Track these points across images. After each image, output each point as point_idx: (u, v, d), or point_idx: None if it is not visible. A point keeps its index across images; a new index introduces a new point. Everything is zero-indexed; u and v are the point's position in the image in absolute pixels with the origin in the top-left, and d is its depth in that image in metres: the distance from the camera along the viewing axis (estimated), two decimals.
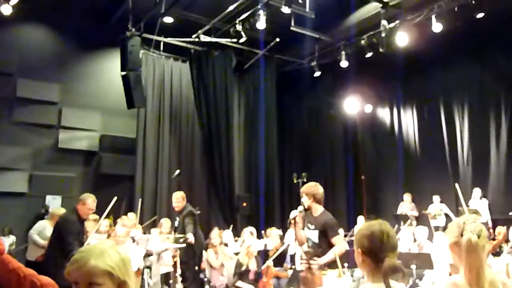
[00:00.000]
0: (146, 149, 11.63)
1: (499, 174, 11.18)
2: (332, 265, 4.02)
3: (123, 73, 9.43)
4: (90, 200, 5.48)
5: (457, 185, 5.11)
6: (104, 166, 11.41)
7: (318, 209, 4.60)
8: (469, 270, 2.00)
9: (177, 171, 8.90)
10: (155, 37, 11.20)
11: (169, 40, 11.66)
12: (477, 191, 10.60)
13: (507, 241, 5.64)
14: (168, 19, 10.98)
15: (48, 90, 10.92)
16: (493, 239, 4.58)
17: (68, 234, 5.05)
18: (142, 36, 10.39)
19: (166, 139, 12.06)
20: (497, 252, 6.21)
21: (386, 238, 1.98)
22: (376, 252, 1.96)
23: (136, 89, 9.48)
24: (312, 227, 4.54)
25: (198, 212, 7.19)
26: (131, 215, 8.66)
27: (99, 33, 10.94)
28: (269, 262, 6.09)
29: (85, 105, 11.32)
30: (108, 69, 11.53)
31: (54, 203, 10.58)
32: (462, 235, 2.04)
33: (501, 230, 5.58)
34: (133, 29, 9.70)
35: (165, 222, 7.30)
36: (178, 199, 6.84)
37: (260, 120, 13.22)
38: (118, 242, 5.53)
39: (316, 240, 4.44)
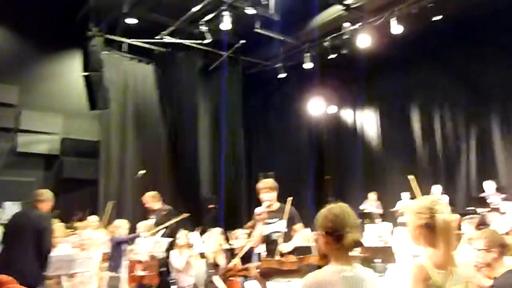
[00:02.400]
0: (109, 152, 11.40)
1: (458, 172, 11.58)
2: (306, 251, 4.10)
3: (85, 74, 9.24)
4: (51, 196, 5.17)
5: (410, 177, 5.27)
6: (66, 170, 11.09)
7: (276, 203, 4.75)
8: (446, 249, 2.09)
9: (142, 171, 8.78)
10: (118, 38, 11.03)
11: (133, 41, 11.51)
12: (437, 188, 10.92)
13: (459, 228, 5.93)
14: (132, 20, 10.81)
15: (5, 92, 10.53)
16: None
17: (50, 233, 4.79)
18: (105, 37, 10.21)
19: (131, 141, 11.87)
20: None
21: (347, 217, 2.05)
22: (339, 229, 2.02)
23: (99, 91, 9.33)
24: (276, 219, 4.62)
25: (164, 213, 7.14)
26: (92, 218, 8.48)
27: (60, 33, 10.65)
28: (236, 260, 6.07)
29: (46, 107, 10.99)
30: (70, 70, 11.25)
31: (13, 209, 10.19)
32: (433, 216, 2.11)
33: (455, 217, 5.85)
34: (95, 29, 9.53)
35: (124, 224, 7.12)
36: (146, 198, 6.96)
37: (226, 122, 13.21)
38: (82, 246, 5.38)
39: (285, 229, 4.54)
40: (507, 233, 4.42)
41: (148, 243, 5.89)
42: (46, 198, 5.05)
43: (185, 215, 7.04)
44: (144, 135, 12.26)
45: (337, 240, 2.03)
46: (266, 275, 2.22)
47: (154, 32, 11.10)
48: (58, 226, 5.82)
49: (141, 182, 10.58)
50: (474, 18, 10.29)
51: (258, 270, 2.19)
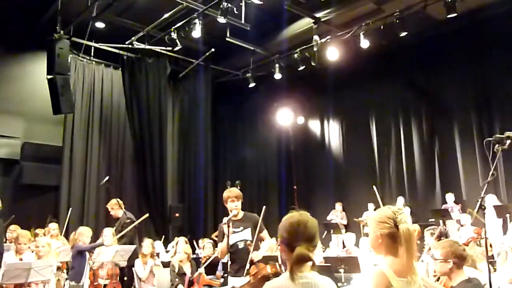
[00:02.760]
0: (73, 157, 11.13)
1: (420, 184, 11.88)
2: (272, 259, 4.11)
3: (50, 76, 8.98)
4: None
5: (374, 187, 5.39)
6: (26, 175, 10.74)
7: (241, 212, 4.73)
8: (408, 257, 2.11)
9: (106, 178, 8.61)
10: (85, 42, 10.80)
11: (101, 45, 11.31)
12: (400, 200, 11.19)
13: (421, 238, 6.08)
14: (100, 24, 10.66)
15: None
16: None
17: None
18: (72, 40, 9.98)
19: (95, 147, 11.63)
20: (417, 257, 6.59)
21: (303, 228, 2.03)
22: (291, 241, 2.02)
23: (64, 94, 9.06)
24: (240, 228, 4.61)
25: (128, 221, 7.01)
26: (52, 225, 8.25)
27: (25, 34, 10.39)
28: (201, 270, 6.01)
29: (6, 110, 10.63)
30: (33, 72, 10.94)
31: None
32: (396, 226, 2.14)
33: (415, 227, 5.99)
34: (62, 32, 9.30)
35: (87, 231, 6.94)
36: (111, 206, 6.99)
37: (195, 130, 13.14)
38: (39, 253, 5.20)
39: (250, 238, 4.55)
40: (466, 244, 4.57)
41: (110, 251, 5.75)
42: None
43: (145, 216, 6.90)
44: (109, 141, 12.04)
45: (290, 250, 2.03)
46: None
47: (123, 37, 10.96)
48: (24, 233, 5.60)
49: (105, 189, 10.36)
50: (437, 35, 10.67)
51: None
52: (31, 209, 10.27)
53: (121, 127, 12.23)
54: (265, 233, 4.67)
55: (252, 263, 4.20)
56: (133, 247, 6.26)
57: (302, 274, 2.02)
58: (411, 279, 2.14)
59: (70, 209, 9.42)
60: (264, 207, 4.76)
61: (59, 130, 11.09)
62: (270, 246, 4.41)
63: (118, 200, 7.24)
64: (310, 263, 2.01)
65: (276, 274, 2.10)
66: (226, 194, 4.74)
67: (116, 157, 12.08)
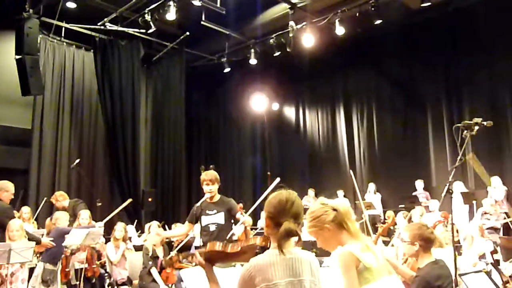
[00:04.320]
0: (42, 140, 10.87)
1: (391, 171, 12.12)
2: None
3: (18, 57, 8.70)
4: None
5: (351, 172, 5.48)
6: None
7: (217, 195, 4.76)
8: (356, 230, 2.27)
9: (77, 160, 8.45)
10: (55, 22, 10.49)
11: (71, 26, 11.00)
12: (371, 186, 11.39)
13: (395, 224, 6.21)
14: (71, 4, 10.35)
15: None
16: (383, 222, 5.03)
17: None
18: (41, 20, 9.67)
19: (66, 130, 11.37)
20: (388, 241, 6.74)
21: (290, 205, 2.08)
22: (278, 216, 2.06)
23: (33, 75, 8.80)
24: (214, 211, 4.65)
25: (99, 204, 6.94)
26: (25, 209, 8.09)
27: None
28: (173, 253, 5.98)
29: None
30: (1, 52, 10.56)
31: None
32: (334, 209, 2.27)
33: (390, 214, 6.14)
34: (31, 11, 9.00)
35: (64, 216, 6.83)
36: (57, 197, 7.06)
37: (168, 114, 13.00)
38: (12, 238, 5.08)
39: (222, 222, 4.59)
40: (433, 227, 4.70)
41: (81, 234, 5.67)
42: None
43: (128, 201, 6.85)
44: (81, 124, 11.80)
45: (275, 225, 2.07)
46: (211, 259, 2.22)
47: (95, 18, 10.68)
48: None
49: (76, 172, 10.17)
50: (412, 24, 10.80)
51: (203, 256, 2.19)
52: None
53: (93, 110, 11.98)
54: (238, 214, 4.68)
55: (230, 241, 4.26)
56: (102, 229, 6.20)
57: (286, 250, 2.05)
58: (372, 251, 2.25)
59: (45, 199, 9.19)
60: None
61: (28, 112, 10.78)
62: (245, 221, 4.53)
63: (61, 192, 7.24)
64: (295, 238, 2.06)
65: (263, 249, 2.11)
66: (202, 176, 4.77)
67: (87, 141, 11.86)
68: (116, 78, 11.54)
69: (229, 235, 4.41)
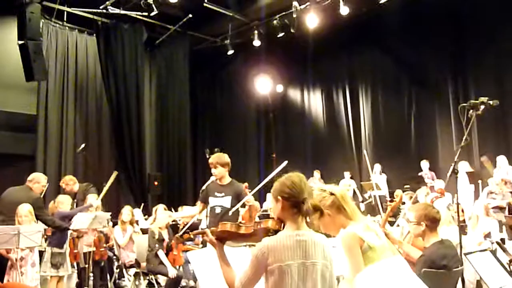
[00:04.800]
0: (48, 126, 10.90)
1: (396, 152, 12.09)
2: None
3: (21, 42, 8.67)
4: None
5: (365, 152, 5.47)
6: (0, 145, 10.47)
7: (227, 178, 4.78)
8: (357, 213, 2.36)
9: (82, 145, 8.47)
10: (57, 6, 10.43)
11: (73, 10, 10.94)
12: (377, 167, 11.39)
13: (403, 203, 6.24)
14: None
15: None
16: (391, 201, 5.07)
17: None
18: (43, 4, 9.62)
19: (71, 115, 11.40)
20: (393, 222, 6.76)
21: (304, 185, 2.13)
22: (297, 195, 2.09)
23: (36, 61, 8.78)
24: (222, 194, 4.67)
25: (92, 187, 7.01)
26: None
27: None
28: (179, 235, 6.04)
29: None
30: (4, 38, 10.51)
31: None
32: (331, 193, 2.39)
33: (398, 193, 6.17)
34: None
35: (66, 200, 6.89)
36: (67, 182, 6.98)
37: (172, 98, 12.98)
38: (21, 223, 5.14)
39: (228, 205, 4.60)
40: (430, 202, 4.71)
41: (87, 218, 5.73)
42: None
43: (114, 174, 6.85)
44: (86, 109, 11.81)
45: (294, 205, 2.09)
46: (222, 238, 2.26)
47: (97, 1, 10.60)
48: None
49: (82, 157, 10.21)
50: (417, 3, 10.63)
51: (214, 234, 2.24)
52: (7, 179, 10.07)
53: (97, 94, 11.98)
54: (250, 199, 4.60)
55: (244, 206, 4.47)
56: (108, 214, 6.26)
57: (299, 231, 2.08)
58: (374, 231, 2.27)
59: (48, 184, 9.22)
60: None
61: (33, 98, 10.79)
62: (251, 200, 4.55)
63: (71, 176, 7.23)
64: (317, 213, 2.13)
65: (276, 232, 2.14)
66: (209, 160, 4.82)
67: (92, 126, 11.88)
68: (120, 62, 11.51)
69: (231, 212, 4.44)
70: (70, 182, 6.96)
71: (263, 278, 2.07)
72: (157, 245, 5.99)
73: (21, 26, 8.70)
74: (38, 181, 5.72)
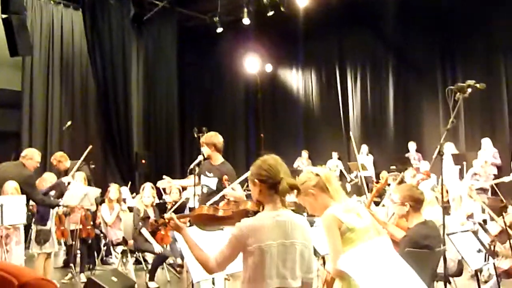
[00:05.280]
0: (33, 102, 10.75)
1: (383, 133, 12.19)
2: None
3: (4, 16, 8.44)
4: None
5: (351, 134, 5.50)
6: None
7: (218, 159, 4.71)
8: (339, 194, 2.42)
9: (69, 123, 8.37)
10: None
11: None
12: (364, 148, 11.48)
13: (388, 185, 6.31)
14: None
15: None
16: (377, 183, 5.14)
17: None
18: None
19: (57, 91, 11.23)
20: (378, 202, 6.85)
21: (280, 166, 2.16)
22: (274, 177, 2.12)
23: (20, 35, 8.55)
24: (211, 174, 4.64)
25: (93, 166, 6.95)
26: None
27: None
28: (167, 215, 6.06)
29: None
30: None
31: None
32: (317, 175, 2.44)
33: (384, 175, 6.24)
34: None
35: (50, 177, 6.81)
36: (57, 159, 6.83)
37: (160, 75, 12.84)
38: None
39: (214, 187, 4.56)
40: (416, 184, 4.76)
41: (78, 194, 5.71)
42: None
43: (89, 148, 6.79)
44: (72, 86, 11.63)
45: (271, 187, 2.12)
46: (198, 222, 2.26)
47: None
48: None
49: (69, 135, 10.11)
50: None
51: (191, 218, 2.23)
52: None
53: (83, 70, 11.78)
54: (234, 185, 4.43)
55: (223, 199, 4.25)
56: (99, 190, 6.24)
57: (278, 212, 2.11)
58: (356, 212, 2.36)
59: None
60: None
61: (17, 74, 10.59)
62: (240, 195, 4.38)
63: (62, 152, 7.10)
64: (295, 192, 2.16)
65: (255, 213, 2.16)
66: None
67: (79, 101, 11.71)
68: (106, 38, 11.32)
69: (209, 203, 4.30)
70: (61, 158, 6.82)
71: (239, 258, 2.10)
72: (140, 223, 6.00)
73: (5, 0, 8.47)
74: (31, 157, 5.62)
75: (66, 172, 6.58)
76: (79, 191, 5.81)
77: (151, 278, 5.84)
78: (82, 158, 6.55)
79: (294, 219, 2.13)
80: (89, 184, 6.48)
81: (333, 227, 2.30)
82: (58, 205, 5.73)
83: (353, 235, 2.29)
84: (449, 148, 9.20)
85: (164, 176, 5.25)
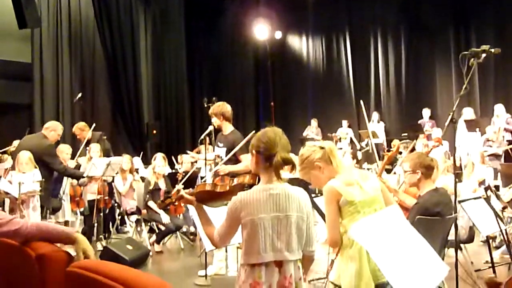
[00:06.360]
0: (43, 74, 10.75)
1: (396, 100, 12.07)
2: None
3: None
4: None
5: (361, 102, 5.45)
6: None
7: (228, 128, 4.70)
8: (339, 164, 2.42)
9: (79, 95, 8.41)
10: None
11: None
12: (375, 115, 11.40)
13: (400, 153, 6.29)
14: None
15: None
16: (389, 151, 5.11)
17: None
18: None
19: (66, 63, 11.21)
20: (390, 169, 6.85)
21: (279, 139, 2.14)
22: (270, 149, 2.11)
23: (28, 7, 8.49)
24: (221, 145, 4.65)
25: (105, 137, 7.00)
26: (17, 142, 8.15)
27: None
28: (179, 186, 6.11)
29: None
30: None
31: None
32: (321, 147, 2.43)
33: (396, 143, 6.22)
34: None
35: (66, 149, 6.88)
36: (78, 130, 6.90)
37: (168, 45, 12.74)
38: (21, 170, 5.19)
39: (224, 157, 4.56)
40: (428, 152, 4.70)
41: (101, 165, 5.79)
42: None
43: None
44: (81, 57, 11.59)
45: (266, 159, 2.11)
46: (202, 200, 2.29)
47: None
48: None
49: (79, 106, 10.16)
50: None
51: (193, 195, 2.27)
52: (5, 128, 10.09)
53: (90, 42, 11.70)
54: (243, 156, 4.37)
55: (217, 175, 4.29)
56: (121, 159, 6.32)
57: (272, 185, 2.10)
58: (359, 184, 2.35)
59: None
60: (253, 131, 4.70)
61: (27, 46, 10.58)
62: (245, 167, 4.27)
63: (83, 123, 7.16)
64: (289, 166, 2.13)
65: (251, 186, 2.17)
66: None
67: (88, 72, 11.70)
68: (114, 8, 11.22)
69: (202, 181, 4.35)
70: (85, 128, 6.92)
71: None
72: (148, 196, 6.08)
73: None
74: (54, 129, 5.71)
75: (88, 143, 6.66)
76: (102, 162, 5.88)
77: (157, 242, 6.02)
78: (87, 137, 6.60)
79: (289, 192, 2.11)
80: (108, 155, 6.55)
81: (331, 199, 2.31)
82: (83, 176, 5.81)
83: (352, 208, 2.30)
84: (468, 114, 9.07)
85: (187, 152, 5.30)
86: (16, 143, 7.67)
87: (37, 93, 10.66)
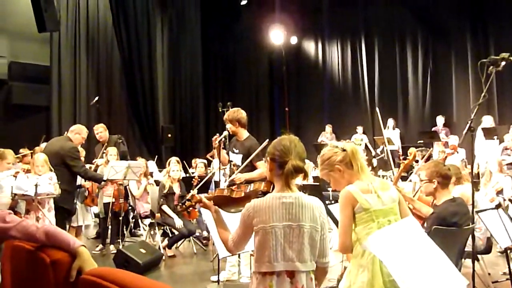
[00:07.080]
0: (61, 77, 10.88)
1: (412, 106, 11.95)
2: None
3: None
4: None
5: (377, 109, 5.40)
6: (16, 96, 10.50)
7: (243, 134, 4.69)
8: (361, 169, 2.33)
9: (96, 98, 8.50)
10: None
11: None
12: (390, 122, 11.30)
13: (416, 161, 6.20)
14: None
15: None
16: (405, 159, 5.05)
17: None
18: None
19: (83, 66, 11.34)
20: (406, 177, 6.77)
21: (294, 147, 2.12)
22: (283, 156, 2.10)
23: (48, 11, 8.62)
24: (237, 151, 4.63)
25: (120, 141, 7.03)
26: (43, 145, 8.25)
27: None
28: (194, 191, 6.12)
29: None
30: None
31: None
32: (343, 150, 2.36)
33: (412, 150, 6.14)
34: None
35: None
36: (99, 129, 6.84)
37: (184, 49, 12.81)
38: (37, 172, 5.24)
39: (240, 163, 4.53)
40: (443, 159, 4.62)
41: (122, 168, 5.84)
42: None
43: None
44: (97, 60, 11.71)
45: (280, 166, 2.09)
46: (219, 204, 2.29)
47: None
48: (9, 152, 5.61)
49: (96, 109, 10.27)
50: None
51: (211, 200, 2.27)
52: (23, 130, 10.22)
53: (108, 46, 11.83)
54: (259, 163, 4.38)
55: (232, 184, 4.22)
56: (142, 163, 6.33)
57: (285, 193, 2.08)
58: (377, 193, 2.28)
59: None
60: (267, 140, 4.67)
61: (46, 49, 10.73)
62: (259, 175, 4.27)
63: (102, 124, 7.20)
64: (302, 175, 2.12)
65: (265, 194, 2.16)
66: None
67: (105, 75, 11.80)
68: (131, 11, 11.33)
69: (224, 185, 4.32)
70: (105, 130, 6.94)
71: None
72: (161, 200, 6.09)
73: None
74: (79, 132, 5.74)
75: (105, 145, 6.69)
76: (121, 165, 5.93)
77: (169, 247, 6.04)
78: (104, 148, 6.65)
79: (303, 201, 2.08)
80: (125, 159, 6.59)
81: (346, 204, 2.26)
82: (104, 180, 5.86)
83: (366, 216, 2.25)
84: (487, 121, 8.94)
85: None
86: (43, 145, 7.79)
87: (55, 96, 10.78)
